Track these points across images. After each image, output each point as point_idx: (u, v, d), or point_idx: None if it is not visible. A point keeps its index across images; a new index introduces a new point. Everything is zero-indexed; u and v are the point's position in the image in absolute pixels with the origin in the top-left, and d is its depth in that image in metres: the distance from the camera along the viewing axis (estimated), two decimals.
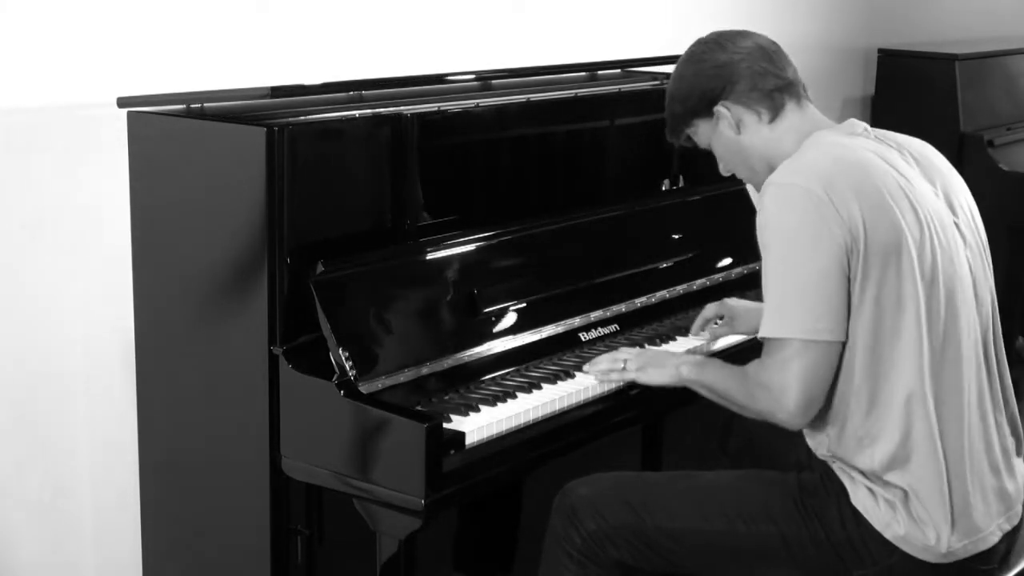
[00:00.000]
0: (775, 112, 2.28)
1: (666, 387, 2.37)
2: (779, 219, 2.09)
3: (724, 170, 2.40)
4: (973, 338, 2.16)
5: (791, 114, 2.28)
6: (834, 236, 2.05)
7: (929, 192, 2.19)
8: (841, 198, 2.06)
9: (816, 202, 2.06)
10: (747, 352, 2.58)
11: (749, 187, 2.66)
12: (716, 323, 2.74)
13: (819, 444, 2.22)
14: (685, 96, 2.32)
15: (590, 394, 2.42)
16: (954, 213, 2.22)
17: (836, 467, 2.19)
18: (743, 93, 2.27)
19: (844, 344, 2.09)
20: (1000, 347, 2.26)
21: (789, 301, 2.07)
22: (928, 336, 2.09)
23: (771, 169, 2.25)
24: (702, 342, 2.70)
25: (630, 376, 2.40)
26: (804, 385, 2.07)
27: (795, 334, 2.06)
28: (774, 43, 2.34)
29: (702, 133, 2.36)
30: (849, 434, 2.14)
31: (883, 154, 2.19)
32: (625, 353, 2.44)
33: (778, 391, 2.08)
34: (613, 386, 2.44)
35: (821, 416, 2.16)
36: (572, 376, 2.47)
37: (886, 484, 2.12)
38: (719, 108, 2.28)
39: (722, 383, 2.24)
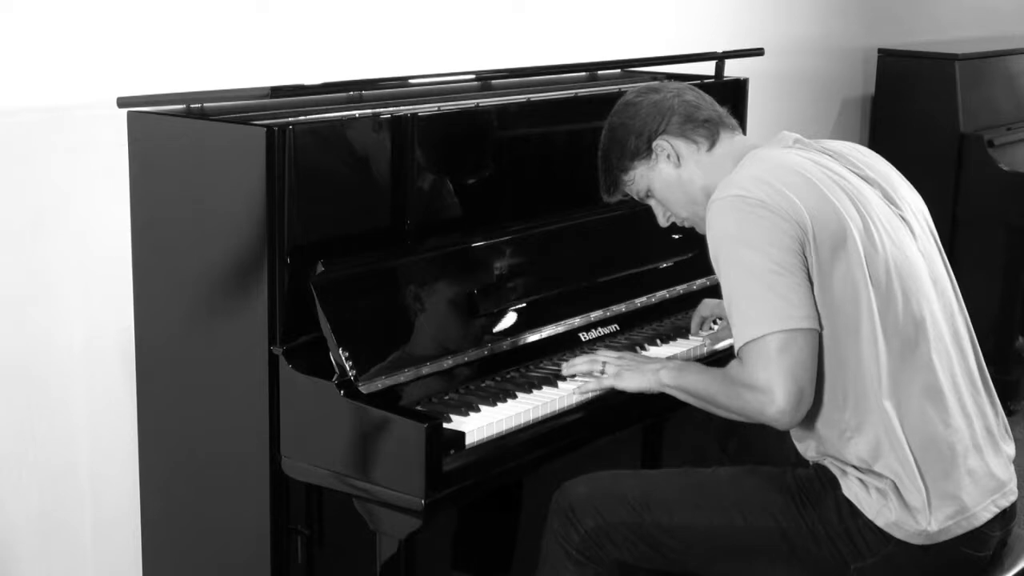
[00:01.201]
0: (712, 140, 2.35)
1: (644, 393, 2.35)
2: (725, 228, 2.13)
3: (664, 219, 2.45)
4: (938, 321, 2.19)
5: (726, 141, 2.35)
6: (783, 230, 2.08)
7: (867, 189, 2.23)
8: (781, 196, 2.10)
9: (757, 204, 2.10)
10: None
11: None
12: (713, 324, 2.74)
13: (807, 447, 2.24)
14: (623, 140, 2.38)
15: (585, 397, 2.42)
16: (897, 207, 2.25)
17: (827, 462, 2.20)
18: (679, 125, 2.34)
19: (820, 334, 2.10)
20: (970, 328, 2.28)
21: (758, 302, 2.07)
22: (883, 326, 2.11)
23: (708, 200, 2.26)
24: (700, 342, 2.70)
25: (607, 383, 2.38)
26: (792, 377, 2.06)
27: (772, 328, 2.06)
28: (695, 88, 2.44)
29: (640, 178, 2.40)
30: (832, 428, 2.16)
31: (817, 160, 2.23)
32: (603, 356, 2.42)
33: (765, 388, 2.06)
34: (591, 396, 2.41)
35: (807, 416, 2.16)
36: (572, 376, 2.47)
37: (876, 474, 2.13)
38: (658, 142, 2.35)
39: (704, 386, 2.23)
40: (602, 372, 2.39)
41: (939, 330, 2.19)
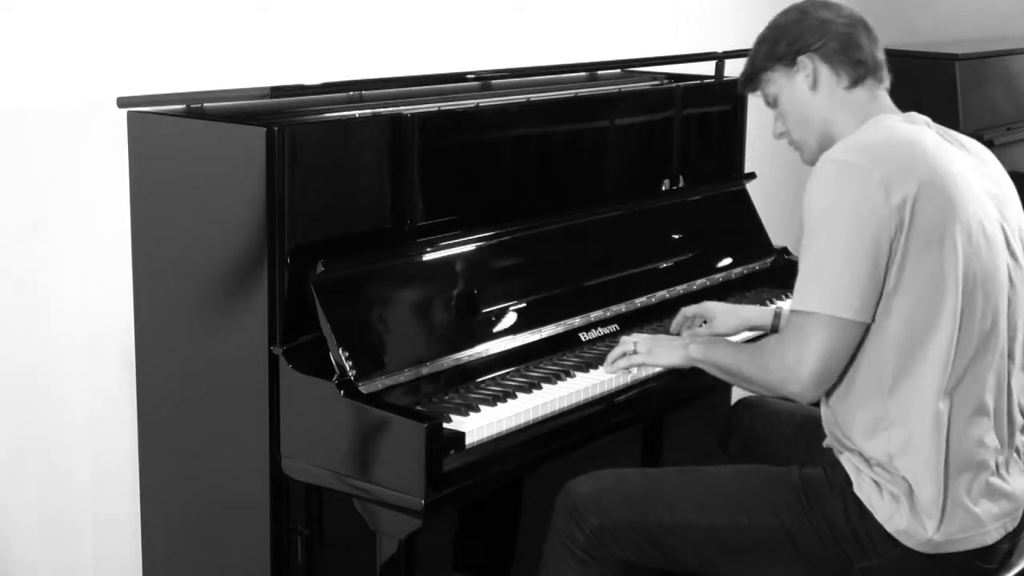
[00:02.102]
0: (854, 82, 2.29)
1: (675, 368, 2.42)
2: (826, 194, 2.11)
3: (777, 130, 2.41)
4: (1002, 342, 2.17)
5: (866, 91, 2.30)
6: (879, 218, 2.06)
7: (983, 191, 2.21)
8: (893, 179, 2.07)
9: (865, 181, 2.06)
10: None
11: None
12: (701, 325, 2.72)
13: (831, 426, 2.23)
14: (775, 39, 2.33)
15: (590, 394, 2.42)
16: (1003, 217, 2.23)
17: (843, 458, 2.19)
18: (833, 52, 2.28)
19: (869, 326, 2.10)
20: None
21: (822, 276, 2.09)
22: (960, 331, 2.10)
23: (826, 136, 2.29)
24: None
25: (639, 359, 2.44)
26: (822, 359, 2.08)
27: (822, 309, 2.07)
28: (869, 24, 2.36)
29: (775, 83, 2.35)
30: (868, 413, 2.15)
31: (942, 145, 2.21)
32: (634, 338, 2.47)
33: (794, 362, 2.10)
34: (629, 378, 2.46)
35: (843, 392, 2.17)
36: (572, 376, 2.47)
37: (892, 474, 2.12)
38: (803, 58, 2.29)
39: (732, 360, 2.27)
40: (634, 352, 2.44)
41: (1002, 350, 2.18)
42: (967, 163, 2.23)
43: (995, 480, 2.16)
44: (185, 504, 2.55)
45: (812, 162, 2.29)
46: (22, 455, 2.63)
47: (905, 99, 5.24)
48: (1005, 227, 2.22)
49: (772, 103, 2.39)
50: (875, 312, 2.10)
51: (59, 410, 2.67)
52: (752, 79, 2.39)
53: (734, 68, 3.32)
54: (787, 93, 2.34)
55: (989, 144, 4.66)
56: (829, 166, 2.13)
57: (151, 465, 2.59)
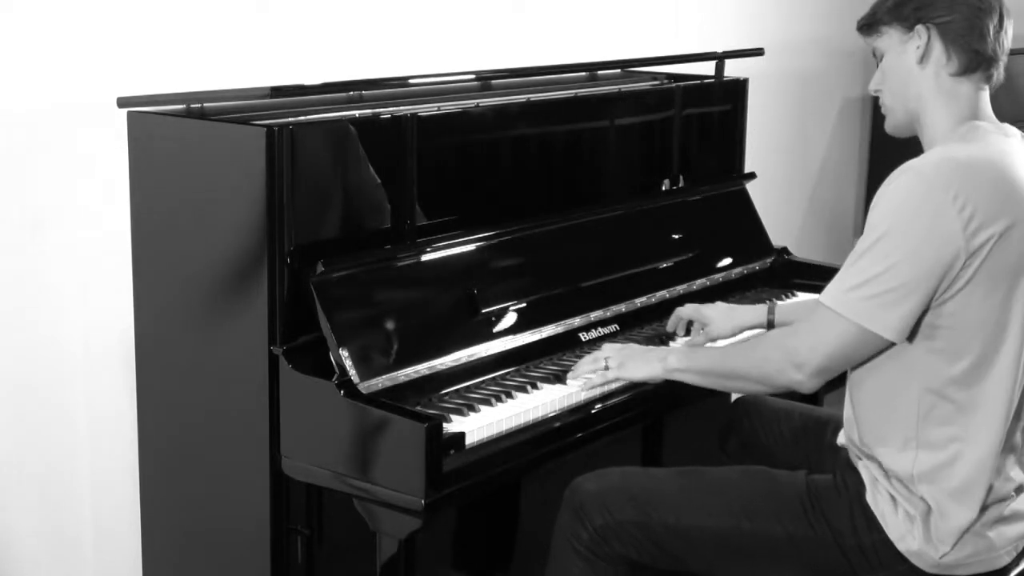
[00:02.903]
0: (963, 70, 2.16)
1: (650, 381, 2.37)
2: (901, 206, 2.02)
3: (874, 85, 2.28)
4: None
5: (970, 85, 2.17)
6: (946, 249, 1.99)
7: None
8: (977, 209, 1.99)
9: (946, 208, 1.99)
10: None
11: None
12: (700, 331, 2.70)
13: (851, 430, 2.20)
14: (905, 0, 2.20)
15: (590, 394, 2.42)
16: None
17: (860, 464, 2.17)
18: (953, 34, 2.15)
19: (891, 344, 2.06)
20: None
21: (870, 286, 2.03)
22: (1019, 368, 2.07)
23: (915, 115, 2.20)
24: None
25: (611, 375, 2.39)
26: (829, 356, 2.07)
27: (858, 318, 2.04)
28: (1009, 14, 2.21)
29: (887, 40, 2.21)
30: (898, 432, 2.12)
31: None
32: (606, 351, 2.42)
33: (806, 350, 2.08)
34: (598, 391, 2.42)
35: (879, 404, 2.14)
36: (576, 379, 2.46)
37: (911, 493, 2.10)
38: (921, 27, 2.16)
39: (720, 360, 2.25)
40: (606, 368, 2.39)
41: None
42: None
43: (1013, 505, 2.14)
44: (185, 504, 2.55)
45: (894, 131, 2.25)
46: (22, 456, 2.63)
47: None
48: None
49: (878, 58, 2.27)
50: (916, 335, 2.05)
51: (59, 410, 2.67)
52: (870, 27, 2.25)
53: (734, 68, 3.33)
54: (894, 55, 2.21)
55: None
56: (912, 178, 2.03)
57: (151, 465, 2.59)
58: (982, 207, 2.00)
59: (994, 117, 2.21)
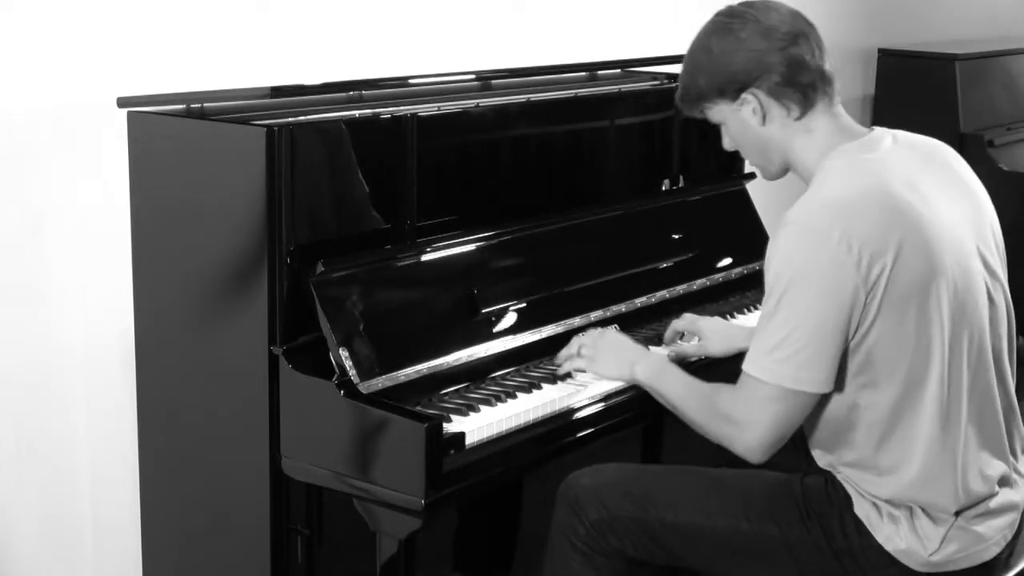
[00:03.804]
0: (805, 109, 2.14)
1: (618, 381, 2.36)
2: (790, 261, 2.00)
3: (729, 147, 2.27)
4: (993, 366, 2.15)
5: (820, 116, 2.15)
6: (844, 292, 1.97)
7: (954, 219, 2.11)
8: (864, 243, 1.97)
9: (834, 253, 1.96)
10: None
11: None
12: (694, 340, 2.67)
13: (821, 459, 2.22)
14: (713, 73, 2.17)
15: (590, 394, 2.42)
16: (977, 237, 2.15)
17: (841, 478, 2.18)
18: (777, 85, 2.13)
19: (858, 390, 2.06)
20: (1013, 365, 2.22)
21: (784, 347, 2.00)
22: (950, 384, 2.06)
23: (785, 164, 2.20)
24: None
25: (580, 364, 2.38)
26: (775, 428, 2.05)
27: (781, 382, 2.01)
28: (810, 24, 2.18)
29: (719, 112, 2.21)
30: (860, 463, 2.13)
31: (909, 178, 2.08)
32: (581, 338, 2.40)
33: (744, 425, 2.06)
34: (598, 391, 2.40)
35: (828, 439, 2.15)
36: (572, 376, 2.47)
37: (889, 503, 2.12)
38: (747, 95, 2.14)
39: (680, 397, 2.21)
40: (579, 354, 2.40)
41: (990, 377, 2.14)
42: (937, 189, 2.12)
43: (997, 500, 2.15)
44: (185, 504, 2.55)
45: (772, 180, 2.26)
46: (22, 455, 2.63)
47: (905, 99, 5.25)
48: (981, 247, 2.15)
49: (720, 125, 2.25)
50: (845, 374, 2.04)
51: (59, 410, 2.67)
52: (695, 108, 2.25)
53: None
54: (736, 123, 2.20)
55: (989, 144, 4.68)
56: (792, 231, 2.01)
57: (151, 465, 2.59)
58: (868, 241, 1.97)
59: (856, 126, 2.19)
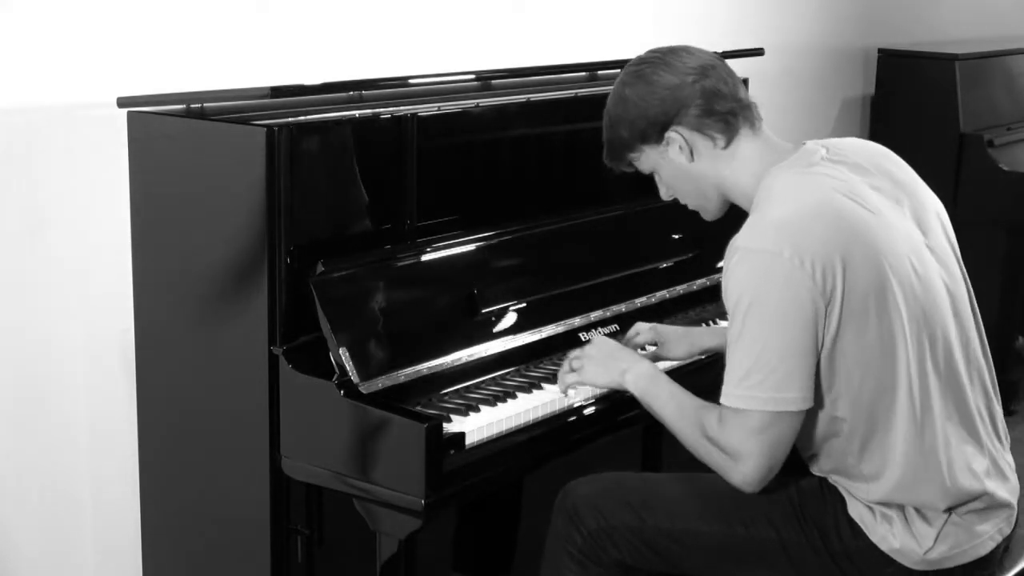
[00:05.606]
0: (730, 137, 2.17)
1: (611, 388, 2.32)
2: (744, 286, 2.00)
3: (667, 196, 2.30)
4: (963, 360, 2.15)
5: (746, 141, 2.17)
6: (804, 306, 1.97)
7: (900, 220, 2.12)
8: (813, 258, 1.97)
9: (787, 270, 1.96)
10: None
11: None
12: (651, 347, 2.60)
13: (812, 468, 2.23)
14: (633, 120, 2.18)
15: (590, 394, 2.42)
16: (924, 233, 2.15)
17: (833, 480, 2.19)
18: (696, 117, 2.15)
19: (832, 403, 2.07)
20: (986, 352, 2.23)
21: (756, 374, 1.99)
22: (919, 384, 2.06)
23: (724, 197, 2.21)
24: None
25: (573, 379, 2.34)
26: (768, 454, 2.03)
27: (764, 407, 2.00)
28: (719, 58, 2.22)
29: (647, 159, 2.23)
30: (846, 471, 2.14)
31: (849, 187, 2.08)
32: (576, 352, 2.37)
33: (736, 456, 2.04)
34: (571, 392, 2.38)
35: (813, 453, 2.16)
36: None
37: (887, 504, 2.12)
38: (671, 134, 2.16)
39: (671, 415, 2.18)
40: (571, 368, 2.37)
41: (968, 368, 2.15)
42: (877, 194, 2.12)
43: (988, 496, 2.15)
44: (185, 504, 2.55)
45: (715, 218, 2.26)
46: (22, 455, 2.63)
47: (905, 99, 5.25)
48: (931, 243, 2.14)
49: (651, 173, 2.27)
50: (817, 392, 2.03)
51: (59, 410, 2.67)
52: (621, 160, 2.26)
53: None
54: (667, 169, 2.22)
55: (989, 144, 4.68)
56: (742, 255, 2.01)
57: (151, 465, 2.60)
58: (819, 254, 1.97)
59: (785, 144, 2.20)
